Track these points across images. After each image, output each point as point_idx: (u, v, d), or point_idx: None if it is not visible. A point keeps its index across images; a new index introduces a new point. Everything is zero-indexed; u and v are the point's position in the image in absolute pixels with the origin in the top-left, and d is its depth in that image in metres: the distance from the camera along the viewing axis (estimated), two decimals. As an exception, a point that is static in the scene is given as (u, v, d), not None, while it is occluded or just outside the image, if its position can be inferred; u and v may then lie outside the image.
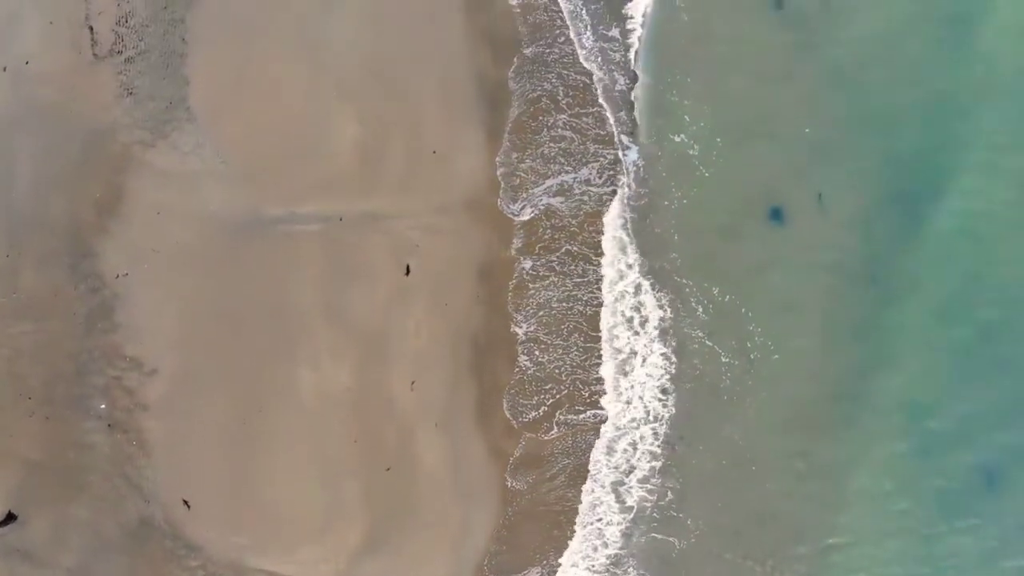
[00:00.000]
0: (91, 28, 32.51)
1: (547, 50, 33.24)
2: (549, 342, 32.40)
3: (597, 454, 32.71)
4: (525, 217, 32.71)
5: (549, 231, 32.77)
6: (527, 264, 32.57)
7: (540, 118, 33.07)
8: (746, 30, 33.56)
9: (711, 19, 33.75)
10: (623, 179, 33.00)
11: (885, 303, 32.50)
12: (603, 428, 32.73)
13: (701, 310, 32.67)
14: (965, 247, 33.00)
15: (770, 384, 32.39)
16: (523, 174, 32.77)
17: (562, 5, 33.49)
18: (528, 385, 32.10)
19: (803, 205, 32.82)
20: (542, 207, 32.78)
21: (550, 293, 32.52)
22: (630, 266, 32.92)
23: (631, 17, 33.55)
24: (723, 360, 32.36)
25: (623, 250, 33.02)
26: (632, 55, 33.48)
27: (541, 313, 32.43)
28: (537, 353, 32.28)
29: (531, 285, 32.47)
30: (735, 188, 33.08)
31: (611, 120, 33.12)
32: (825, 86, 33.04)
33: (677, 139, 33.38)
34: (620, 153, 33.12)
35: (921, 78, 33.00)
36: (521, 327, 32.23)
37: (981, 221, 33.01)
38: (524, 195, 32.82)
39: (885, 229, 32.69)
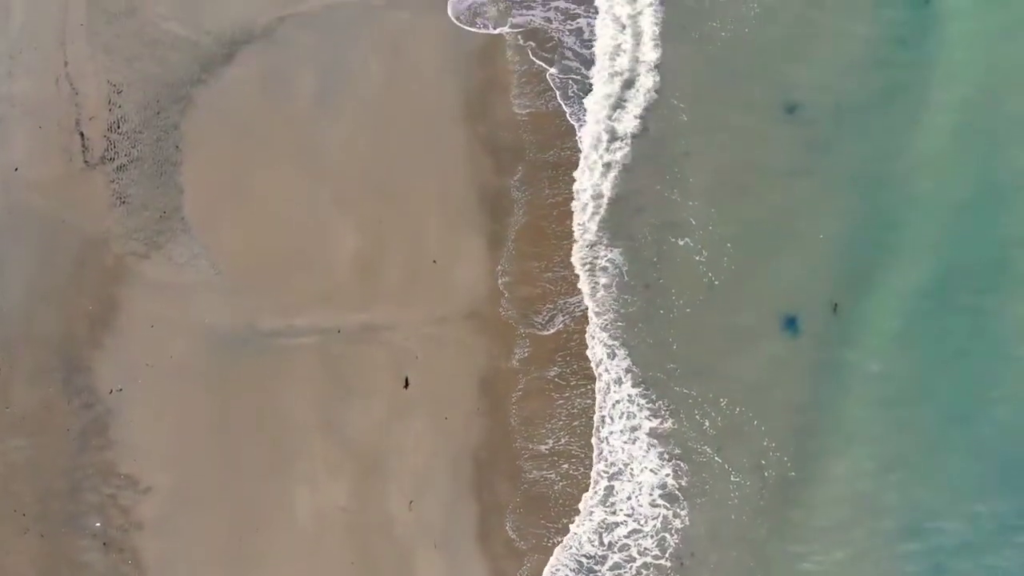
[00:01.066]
0: (82, 134, 31.85)
1: (551, 156, 32.62)
2: (552, 458, 31.77)
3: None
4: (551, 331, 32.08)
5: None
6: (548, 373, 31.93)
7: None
8: (756, 133, 32.70)
9: (717, 119, 32.90)
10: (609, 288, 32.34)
11: (905, 420, 31.61)
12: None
13: (708, 424, 31.90)
14: (981, 351, 32.17)
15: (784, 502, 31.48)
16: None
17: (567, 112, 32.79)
18: (531, 504, 31.43)
19: (818, 314, 32.01)
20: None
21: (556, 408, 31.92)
22: (622, 377, 32.22)
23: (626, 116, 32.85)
24: (733, 479, 31.61)
25: (613, 358, 32.33)
26: (620, 156, 32.74)
27: (546, 427, 31.82)
28: (539, 472, 31.63)
29: (536, 397, 31.82)
30: (747, 296, 32.28)
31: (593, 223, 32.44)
32: (839, 191, 32.03)
33: (681, 243, 32.69)
34: (604, 257, 32.34)
35: (936, 183, 32.07)
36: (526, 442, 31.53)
37: (993, 321, 32.14)
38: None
39: (904, 338, 31.91)
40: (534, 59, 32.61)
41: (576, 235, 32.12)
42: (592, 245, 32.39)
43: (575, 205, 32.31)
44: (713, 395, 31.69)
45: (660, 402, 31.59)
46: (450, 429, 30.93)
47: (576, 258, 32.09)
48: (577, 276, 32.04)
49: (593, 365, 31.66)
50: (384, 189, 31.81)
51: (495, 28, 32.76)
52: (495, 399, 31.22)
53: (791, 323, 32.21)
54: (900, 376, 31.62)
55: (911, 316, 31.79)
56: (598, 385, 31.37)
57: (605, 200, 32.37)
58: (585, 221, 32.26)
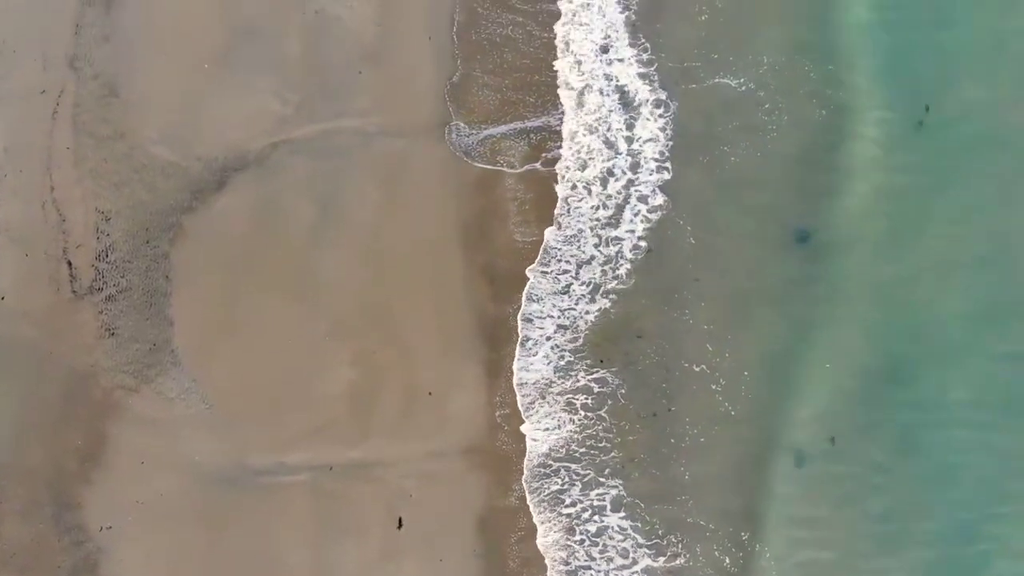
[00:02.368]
0: (69, 263, 31.07)
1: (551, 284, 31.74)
2: (549, 598, 31.09)
3: None
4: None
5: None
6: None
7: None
8: (766, 261, 31.92)
9: (724, 246, 32.07)
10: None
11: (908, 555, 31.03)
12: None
13: (718, 552, 31.21)
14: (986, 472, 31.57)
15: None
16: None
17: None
18: (528, 647, 30.86)
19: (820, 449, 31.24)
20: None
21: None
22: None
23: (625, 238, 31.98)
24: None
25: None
26: (624, 271, 31.91)
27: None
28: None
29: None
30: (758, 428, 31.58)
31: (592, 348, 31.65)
32: (848, 328, 31.34)
33: (697, 369, 31.88)
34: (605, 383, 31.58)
35: (944, 323, 31.27)
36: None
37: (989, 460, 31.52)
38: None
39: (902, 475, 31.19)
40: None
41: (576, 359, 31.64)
42: (593, 369, 31.81)
43: (576, 330, 31.78)
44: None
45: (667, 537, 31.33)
46: (446, 572, 30.33)
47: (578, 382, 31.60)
48: (578, 402, 31.50)
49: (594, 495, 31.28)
50: (379, 319, 31.04)
51: (521, 167, 32.00)
52: (493, 540, 30.55)
53: (799, 456, 31.71)
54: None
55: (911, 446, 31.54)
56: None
57: (604, 324, 31.85)
58: (581, 346, 31.77)
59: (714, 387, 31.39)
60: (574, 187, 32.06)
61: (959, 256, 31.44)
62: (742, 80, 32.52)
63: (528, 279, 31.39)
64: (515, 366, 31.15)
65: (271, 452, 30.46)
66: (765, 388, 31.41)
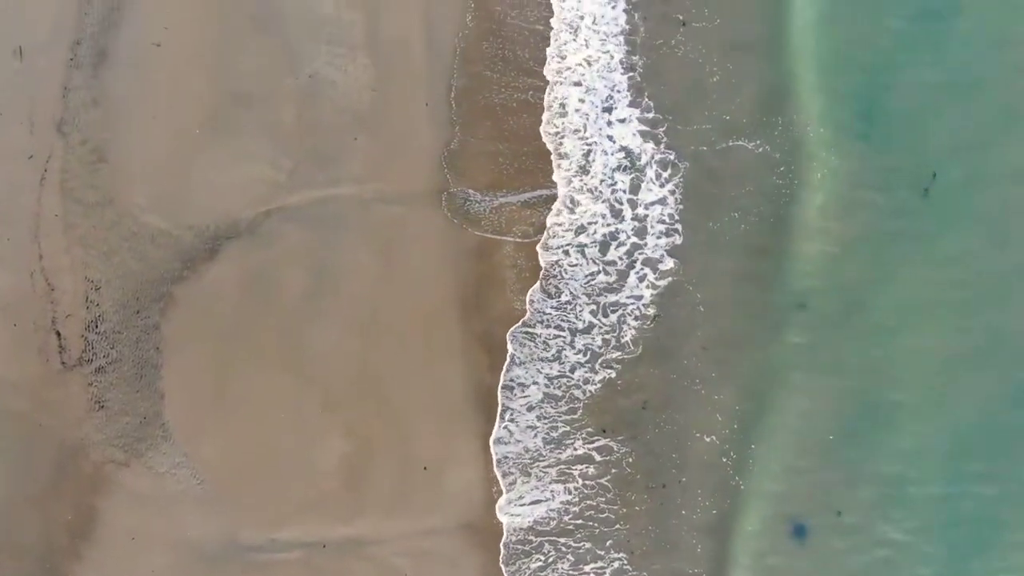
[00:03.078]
0: (58, 333, 30.42)
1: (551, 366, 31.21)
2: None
3: None
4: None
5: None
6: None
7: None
8: (771, 329, 31.47)
9: (731, 313, 31.53)
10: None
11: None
12: None
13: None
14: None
15: None
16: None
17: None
18: None
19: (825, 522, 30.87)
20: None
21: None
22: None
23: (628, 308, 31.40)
24: None
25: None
26: (629, 339, 31.34)
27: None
28: None
29: (527, 612, 30.69)
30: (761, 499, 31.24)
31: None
32: (849, 407, 30.95)
33: (708, 440, 31.45)
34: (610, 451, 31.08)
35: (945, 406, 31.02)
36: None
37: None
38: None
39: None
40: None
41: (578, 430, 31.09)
42: (593, 438, 31.28)
43: (577, 400, 31.23)
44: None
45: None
46: (440, 651, 30.00)
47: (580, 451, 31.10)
48: (580, 473, 31.00)
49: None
50: (373, 391, 30.44)
51: (520, 233, 31.29)
52: (488, 618, 30.29)
53: (800, 530, 31.27)
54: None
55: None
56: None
57: (607, 393, 31.29)
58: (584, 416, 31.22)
59: (724, 459, 31.20)
60: (566, 252, 31.43)
61: (963, 336, 31.23)
62: (758, 142, 31.92)
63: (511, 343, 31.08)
64: (492, 437, 30.62)
65: (263, 528, 29.97)
66: (774, 461, 31.15)
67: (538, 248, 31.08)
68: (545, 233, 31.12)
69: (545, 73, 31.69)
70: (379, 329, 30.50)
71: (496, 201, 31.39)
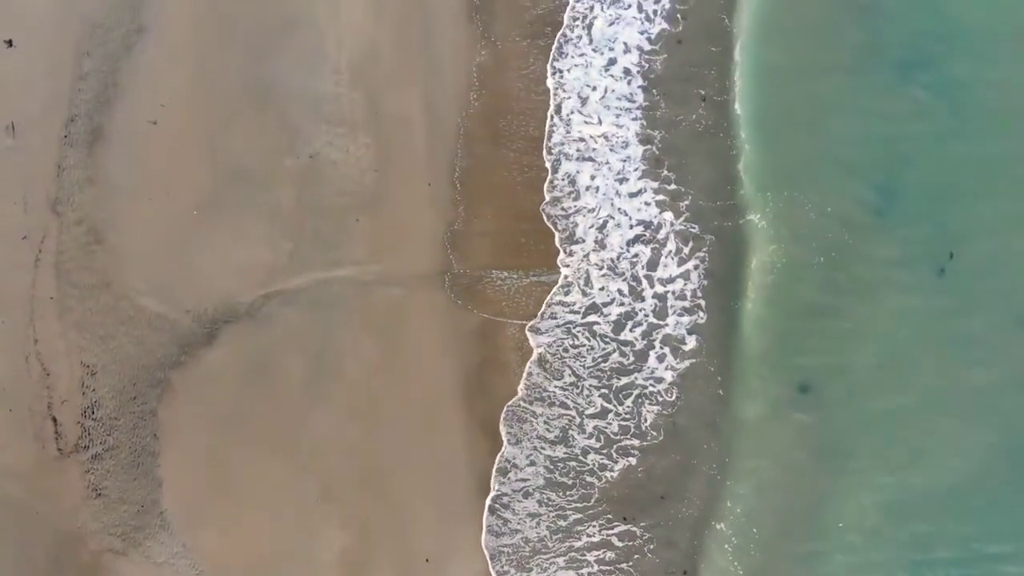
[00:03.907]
0: (55, 419, 29.86)
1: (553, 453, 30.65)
2: None
3: None
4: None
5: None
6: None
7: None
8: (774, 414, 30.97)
9: (742, 395, 31.01)
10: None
11: None
12: None
13: None
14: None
15: None
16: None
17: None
18: None
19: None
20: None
21: None
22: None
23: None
24: None
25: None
26: (647, 424, 30.72)
27: None
28: None
29: None
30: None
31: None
32: (863, 496, 30.47)
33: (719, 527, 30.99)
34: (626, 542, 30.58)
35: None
36: None
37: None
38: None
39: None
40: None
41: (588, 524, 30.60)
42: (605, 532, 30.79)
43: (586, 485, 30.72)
44: None
45: None
46: None
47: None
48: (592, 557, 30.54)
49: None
50: (374, 480, 29.91)
51: (525, 314, 30.70)
52: None
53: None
54: None
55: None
56: None
57: (624, 480, 30.69)
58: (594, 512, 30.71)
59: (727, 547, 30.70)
60: (569, 332, 30.83)
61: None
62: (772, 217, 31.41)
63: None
64: (483, 523, 29.97)
65: (263, 620, 29.71)
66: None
67: (527, 331, 30.51)
68: (539, 314, 30.54)
69: (551, 148, 31.18)
70: (379, 415, 29.96)
71: (500, 282, 30.77)
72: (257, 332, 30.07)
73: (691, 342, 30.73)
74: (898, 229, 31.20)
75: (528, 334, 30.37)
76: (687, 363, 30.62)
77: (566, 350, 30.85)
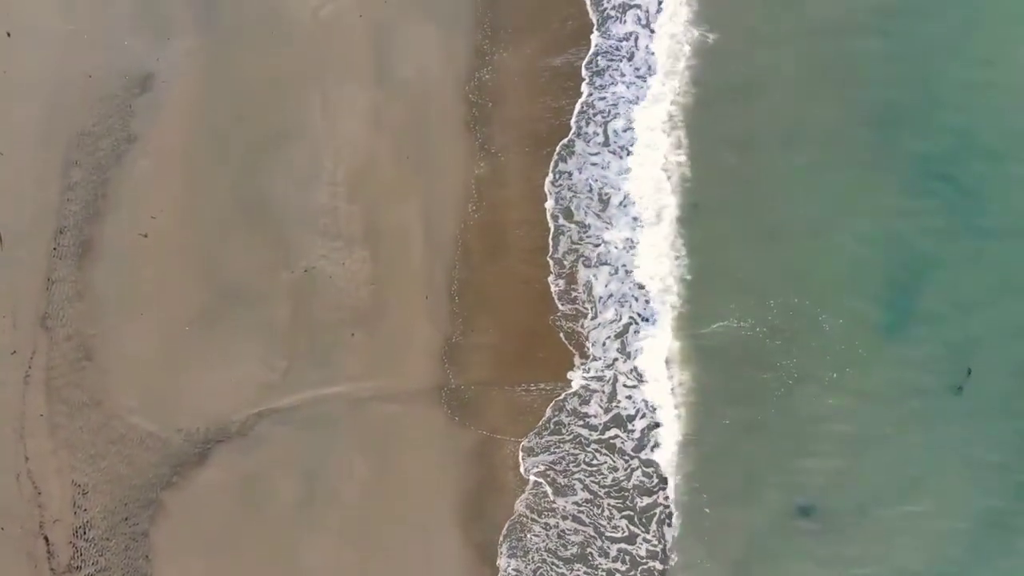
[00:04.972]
0: (46, 539, 29.30)
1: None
2: None
3: None
4: None
5: None
6: None
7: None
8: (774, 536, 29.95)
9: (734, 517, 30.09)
10: None
11: None
12: None
13: None
14: None
15: None
16: None
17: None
18: None
19: None
20: None
21: None
22: None
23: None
24: None
25: None
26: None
27: None
28: None
29: None
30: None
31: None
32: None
33: None
34: None
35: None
36: None
37: None
38: None
39: None
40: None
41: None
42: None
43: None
44: None
45: None
46: None
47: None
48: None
49: None
50: (370, 602, 29.46)
51: (524, 432, 29.91)
52: None
53: None
54: None
55: None
56: None
57: None
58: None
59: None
60: (580, 444, 29.98)
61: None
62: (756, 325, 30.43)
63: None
64: None
65: None
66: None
67: (520, 450, 29.73)
68: (537, 429, 29.81)
69: (556, 258, 30.31)
70: (375, 540, 29.14)
71: (499, 397, 29.96)
72: (250, 452, 29.39)
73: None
74: (911, 345, 30.26)
75: (521, 453, 29.69)
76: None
77: (578, 466, 30.14)
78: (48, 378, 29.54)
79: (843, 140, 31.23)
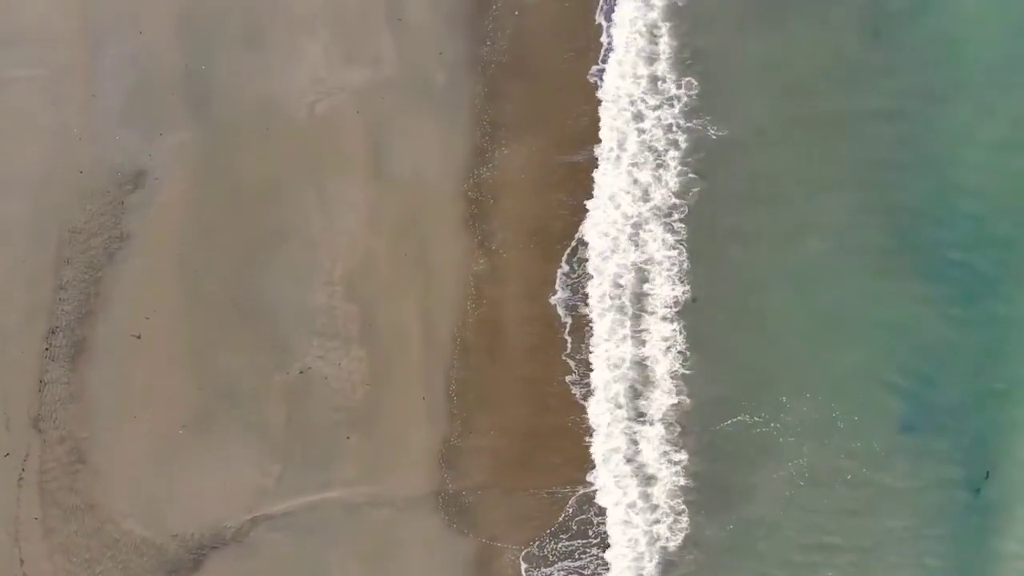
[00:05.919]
0: (40, 629, 29.12)
1: None
2: None
3: None
4: None
5: None
6: None
7: None
8: None
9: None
10: None
11: None
12: None
13: None
14: None
15: None
16: None
17: None
18: None
19: None
20: None
21: None
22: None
23: None
24: None
25: None
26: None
27: None
28: None
29: None
30: None
31: None
32: None
33: None
34: None
35: None
36: None
37: None
38: None
39: None
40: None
41: None
42: None
43: None
44: None
45: None
46: None
47: None
48: None
49: None
50: None
51: (525, 541, 28.99)
52: None
53: None
54: None
55: None
56: None
57: None
58: None
59: None
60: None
61: None
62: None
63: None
64: None
65: None
66: None
67: (521, 559, 28.87)
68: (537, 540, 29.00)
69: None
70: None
71: (498, 502, 29.10)
72: (244, 559, 28.74)
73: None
74: (929, 446, 29.04)
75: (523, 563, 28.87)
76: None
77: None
78: (42, 481, 29.10)
79: (857, 228, 30.12)
